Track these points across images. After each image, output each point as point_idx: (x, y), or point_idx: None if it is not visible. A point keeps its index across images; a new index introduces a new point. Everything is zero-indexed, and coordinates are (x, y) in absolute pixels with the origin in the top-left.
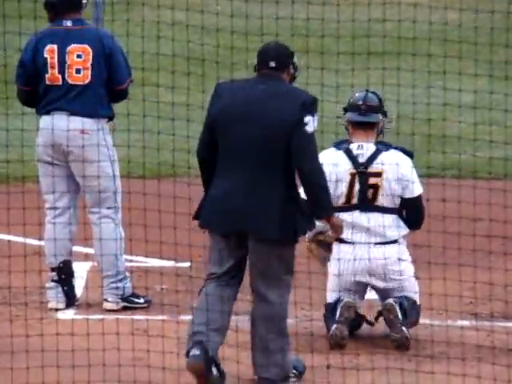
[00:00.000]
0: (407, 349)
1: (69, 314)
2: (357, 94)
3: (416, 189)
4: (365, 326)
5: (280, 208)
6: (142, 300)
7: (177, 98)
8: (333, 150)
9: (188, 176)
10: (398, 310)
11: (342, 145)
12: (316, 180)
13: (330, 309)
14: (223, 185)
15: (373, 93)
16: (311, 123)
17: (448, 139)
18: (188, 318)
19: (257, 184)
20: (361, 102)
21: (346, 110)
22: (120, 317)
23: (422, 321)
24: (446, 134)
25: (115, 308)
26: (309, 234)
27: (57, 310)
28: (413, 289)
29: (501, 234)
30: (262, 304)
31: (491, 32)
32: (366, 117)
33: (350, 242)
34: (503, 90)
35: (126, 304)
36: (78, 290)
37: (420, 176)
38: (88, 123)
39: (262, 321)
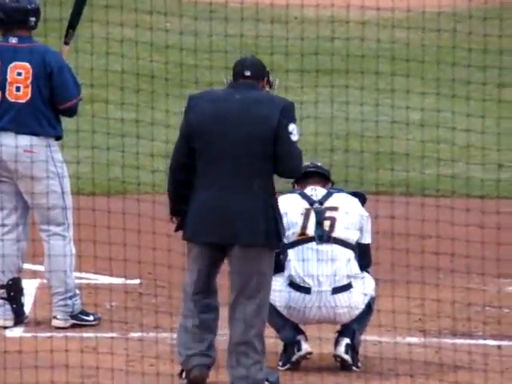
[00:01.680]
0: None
1: (17, 332)
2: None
3: (368, 237)
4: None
5: (264, 216)
6: (91, 317)
7: (126, 115)
8: (287, 195)
9: (138, 193)
10: (350, 359)
11: (295, 190)
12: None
13: (281, 322)
14: (207, 195)
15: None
16: (295, 131)
17: (396, 156)
18: (137, 335)
19: (240, 192)
20: (309, 163)
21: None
22: (69, 334)
23: (370, 338)
24: (394, 151)
25: (64, 325)
26: None
27: (5, 327)
28: (362, 305)
29: (449, 251)
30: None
31: (438, 50)
32: (316, 168)
33: (303, 288)
34: (450, 108)
35: (75, 321)
36: (27, 308)
37: (369, 193)
38: (34, 141)
39: (244, 320)
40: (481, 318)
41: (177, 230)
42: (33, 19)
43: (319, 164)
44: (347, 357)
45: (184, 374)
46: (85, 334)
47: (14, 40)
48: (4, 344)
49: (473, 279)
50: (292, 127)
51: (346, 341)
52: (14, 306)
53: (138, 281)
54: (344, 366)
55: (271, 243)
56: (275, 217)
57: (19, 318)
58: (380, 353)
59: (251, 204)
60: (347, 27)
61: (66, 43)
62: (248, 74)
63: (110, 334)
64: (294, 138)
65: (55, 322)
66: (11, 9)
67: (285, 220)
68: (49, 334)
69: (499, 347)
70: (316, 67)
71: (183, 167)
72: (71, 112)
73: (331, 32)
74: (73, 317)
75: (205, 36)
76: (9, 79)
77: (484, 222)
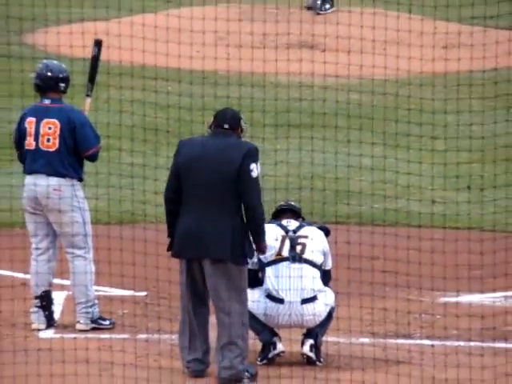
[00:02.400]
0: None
1: (48, 334)
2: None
3: (330, 264)
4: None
5: (231, 236)
6: (107, 322)
7: (135, 160)
8: (267, 225)
9: (144, 222)
10: (314, 356)
11: (273, 221)
12: (256, 214)
13: (260, 327)
14: (187, 222)
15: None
16: (255, 170)
17: (351, 194)
18: (144, 336)
19: (213, 218)
20: (283, 202)
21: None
22: (89, 335)
23: (331, 339)
24: (350, 189)
25: (86, 328)
26: None
27: (39, 330)
28: (324, 313)
29: (393, 270)
30: (227, 306)
31: (384, 110)
32: (290, 206)
33: (278, 299)
34: (394, 155)
35: (94, 325)
36: (56, 314)
37: (329, 223)
38: (61, 182)
39: (227, 328)
40: (418, 323)
41: (168, 249)
42: (63, 85)
43: (292, 203)
44: (312, 354)
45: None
46: (102, 336)
47: (47, 101)
48: (38, 343)
49: (412, 292)
50: (252, 166)
51: (311, 342)
52: (46, 313)
53: (144, 293)
54: (309, 362)
55: (236, 259)
56: (242, 238)
57: (50, 322)
58: (338, 351)
59: (220, 227)
60: (312, 90)
61: (88, 95)
62: (226, 126)
63: (122, 336)
64: (254, 174)
65: (79, 326)
66: (46, 77)
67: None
68: (73, 336)
69: (432, 346)
70: (287, 122)
71: (172, 200)
72: (93, 158)
73: (299, 94)
74: (93, 321)
75: (198, 97)
76: (41, 132)
77: (421, 247)
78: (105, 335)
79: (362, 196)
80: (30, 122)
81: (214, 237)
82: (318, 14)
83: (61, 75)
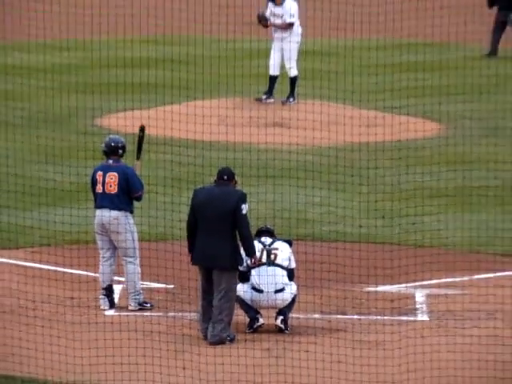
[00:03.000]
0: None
1: (110, 312)
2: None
3: (293, 264)
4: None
5: (229, 253)
6: (149, 305)
7: (166, 199)
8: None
9: (172, 240)
10: (283, 327)
11: (256, 238)
12: (247, 239)
13: (248, 308)
14: (201, 241)
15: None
16: (244, 209)
17: (307, 221)
18: (172, 314)
19: (217, 241)
20: (263, 226)
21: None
22: (137, 314)
23: (294, 315)
24: (306, 218)
25: (135, 309)
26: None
27: (104, 310)
28: (290, 298)
29: (334, 270)
30: (219, 296)
31: (328, 166)
32: (267, 228)
33: (259, 290)
34: (335, 195)
35: (140, 307)
36: (115, 300)
37: (292, 239)
38: (119, 214)
39: (218, 306)
40: (351, 305)
41: (191, 260)
42: (120, 151)
43: (268, 226)
44: (282, 325)
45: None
46: (145, 313)
47: (110, 161)
48: (104, 319)
49: (347, 285)
50: (243, 206)
51: (281, 317)
52: (109, 299)
53: (172, 286)
54: (280, 331)
55: (232, 267)
56: (236, 253)
57: (112, 306)
58: (298, 323)
59: (222, 247)
60: (281, 154)
61: (137, 159)
62: (225, 178)
63: (157, 314)
64: (244, 211)
65: (130, 307)
66: (110, 146)
67: None
68: (126, 314)
69: (359, 319)
70: (265, 174)
71: (191, 227)
72: (139, 199)
73: (273, 156)
74: (139, 304)
75: (207, 159)
76: (106, 181)
77: (352, 255)
78: (147, 313)
79: (314, 222)
80: (99, 175)
81: (219, 254)
82: (283, 104)
83: (119, 144)
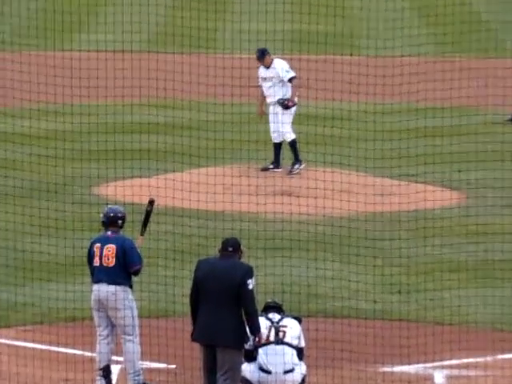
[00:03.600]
0: None
1: None
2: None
3: (303, 343)
4: None
5: (233, 329)
6: None
7: (168, 273)
8: (260, 318)
9: (174, 316)
10: None
11: (262, 315)
12: (253, 316)
13: None
14: (203, 317)
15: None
16: (251, 284)
17: (318, 296)
18: None
19: (221, 316)
20: (270, 300)
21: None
22: None
23: None
24: (317, 293)
25: None
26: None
27: None
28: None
29: (348, 349)
30: (223, 377)
31: (340, 237)
32: (275, 303)
33: (267, 371)
34: (347, 269)
35: None
36: (114, 381)
37: (302, 316)
38: (117, 288)
39: None
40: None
41: (191, 336)
42: (120, 222)
43: (276, 300)
44: None
45: None
46: None
47: (109, 233)
48: None
49: (360, 364)
50: (249, 281)
51: None
52: (107, 380)
53: (174, 366)
54: None
55: (237, 345)
56: (241, 330)
57: None
58: None
59: (226, 323)
60: (290, 225)
61: (141, 235)
62: (230, 249)
63: None
64: (250, 286)
65: None
66: (109, 216)
67: None
68: None
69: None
70: (273, 246)
71: (194, 302)
72: (136, 273)
73: (282, 227)
74: None
75: (211, 229)
76: (104, 254)
77: (366, 333)
78: None
79: (326, 297)
80: (97, 247)
81: (222, 330)
82: (290, 173)
83: (119, 215)
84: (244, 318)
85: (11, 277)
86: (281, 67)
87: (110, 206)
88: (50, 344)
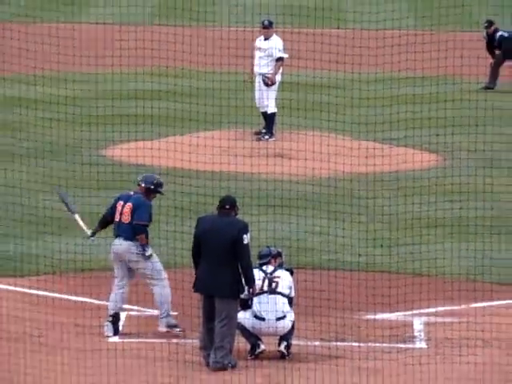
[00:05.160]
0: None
1: (114, 339)
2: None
3: (293, 293)
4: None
5: (230, 281)
6: (178, 329)
7: (170, 228)
8: (254, 269)
9: (175, 268)
10: (286, 352)
11: (256, 267)
12: (247, 269)
13: (249, 334)
14: (203, 270)
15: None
16: (246, 239)
17: (307, 249)
18: (174, 341)
19: (219, 269)
20: (268, 252)
21: (259, 257)
22: (141, 340)
23: (294, 342)
24: (306, 246)
25: (163, 331)
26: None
27: (108, 336)
28: (290, 325)
29: (333, 298)
30: (220, 324)
31: (328, 196)
32: (270, 250)
33: (261, 318)
34: (334, 225)
35: (168, 329)
36: (120, 327)
37: (293, 268)
38: (131, 243)
39: (220, 333)
40: (349, 332)
41: (193, 287)
42: (145, 185)
43: (272, 249)
44: (285, 351)
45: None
46: (148, 340)
47: (131, 192)
48: (108, 345)
49: (346, 312)
50: (244, 236)
51: (285, 343)
52: (115, 326)
53: (176, 313)
54: (282, 356)
55: (233, 295)
56: (237, 282)
57: (116, 333)
58: (298, 349)
59: (223, 275)
60: (282, 184)
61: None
62: (227, 207)
63: (160, 340)
64: (245, 241)
65: (159, 329)
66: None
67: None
68: (129, 340)
69: (359, 346)
70: (266, 203)
71: (195, 256)
72: (137, 228)
73: (274, 186)
74: (168, 327)
75: (209, 188)
76: (123, 211)
77: (351, 283)
78: (150, 340)
79: (314, 251)
80: (120, 204)
81: (220, 282)
82: (257, 140)
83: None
84: (240, 270)
85: (25, 231)
86: (275, 43)
87: (145, 174)
88: (61, 292)
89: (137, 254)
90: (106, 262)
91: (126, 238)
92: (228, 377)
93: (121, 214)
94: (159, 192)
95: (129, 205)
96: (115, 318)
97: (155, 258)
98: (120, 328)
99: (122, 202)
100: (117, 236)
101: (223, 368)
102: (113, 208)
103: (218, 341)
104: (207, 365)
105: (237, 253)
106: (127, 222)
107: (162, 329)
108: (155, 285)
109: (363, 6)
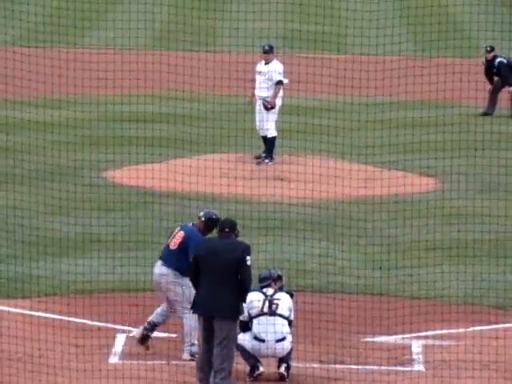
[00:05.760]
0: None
1: (114, 360)
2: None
3: (292, 316)
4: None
5: (229, 302)
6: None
7: None
8: (252, 292)
9: None
10: (285, 374)
11: (256, 289)
12: (246, 289)
13: (248, 356)
14: (203, 290)
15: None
16: (249, 260)
17: (307, 272)
18: (174, 362)
19: (219, 289)
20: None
21: (260, 280)
22: (141, 362)
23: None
24: (305, 269)
25: (187, 359)
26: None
27: (132, 334)
28: (290, 347)
29: (332, 320)
30: (220, 346)
31: (327, 218)
32: (271, 274)
33: (261, 339)
34: (333, 247)
35: (192, 358)
36: (120, 349)
37: (293, 290)
38: (169, 271)
39: (219, 355)
40: (348, 354)
41: (191, 309)
42: (205, 220)
43: (273, 272)
44: (285, 373)
45: None
46: (148, 362)
47: (190, 223)
48: (108, 366)
49: (344, 334)
50: (247, 258)
51: (285, 365)
52: (145, 333)
53: (175, 335)
54: (282, 379)
55: (233, 316)
56: (237, 303)
57: (142, 341)
58: (297, 372)
59: (224, 295)
60: (281, 206)
61: None
62: (227, 230)
63: (160, 362)
64: (248, 263)
65: (183, 357)
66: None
67: (253, 303)
68: (130, 361)
69: (357, 369)
70: (266, 226)
71: (195, 275)
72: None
73: (273, 208)
74: (191, 355)
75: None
76: (175, 237)
77: (350, 305)
78: (150, 362)
79: (314, 273)
80: (177, 230)
81: (220, 302)
82: (258, 164)
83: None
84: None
85: (27, 252)
86: (275, 68)
87: (207, 210)
88: (62, 314)
89: (172, 281)
90: (106, 283)
91: (165, 263)
92: None
93: (172, 238)
94: (214, 228)
95: (182, 233)
96: (150, 326)
97: (189, 287)
98: (120, 350)
99: (179, 228)
100: (159, 258)
101: None
102: (172, 232)
103: (218, 364)
104: None
105: (240, 273)
106: (173, 248)
107: (186, 357)
108: (185, 313)
109: (363, 30)
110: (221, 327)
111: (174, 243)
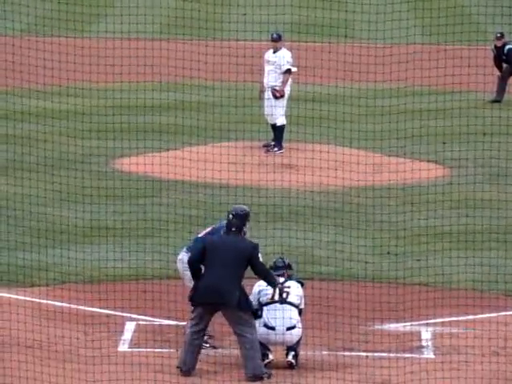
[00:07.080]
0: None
1: (123, 348)
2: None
3: (302, 304)
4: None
5: (236, 291)
6: (208, 345)
7: (178, 239)
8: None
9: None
10: (294, 362)
11: None
12: (268, 276)
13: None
14: (209, 279)
15: (281, 258)
16: (260, 257)
17: (315, 259)
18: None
19: (228, 280)
20: (283, 264)
21: (271, 268)
22: (149, 349)
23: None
24: (313, 255)
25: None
26: None
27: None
28: (299, 336)
29: (341, 306)
30: (240, 339)
31: (334, 206)
32: (284, 262)
33: (271, 327)
34: (341, 236)
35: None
36: (129, 336)
37: (302, 278)
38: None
39: (245, 346)
40: (357, 341)
41: (190, 300)
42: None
43: (284, 259)
44: (293, 361)
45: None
46: (156, 349)
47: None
48: (117, 354)
49: (353, 321)
50: (259, 254)
51: (293, 353)
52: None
53: (184, 323)
54: (291, 366)
55: (239, 306)
56: (242, 294)
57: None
58: (306, 358)
59: (230, 285)
60: (289, 194)
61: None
62: (234, 229)
63: (169, 350)
64: (260, 259)
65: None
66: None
67: (263, 292)
68: (138, 349)
69: (367, 356)
70: (273, 217)
71: (197, 263)
72: None
73: (281, 197)
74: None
75: (217, 199)
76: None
77: (359, 292)
78: (159, 349)
79: (322, 260)
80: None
81: (227, 291)
82: (266, 152)
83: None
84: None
85: (35, 240)
86: (283, 56)
87: (236, 206)
88: (70, 301)
89: (187, 266)
90: (115, 271)
91: (188, 251)
92: None
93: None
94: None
95: (212, 226)
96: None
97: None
98: (129, 337)
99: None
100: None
101: (260, 378)
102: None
103: (249, 348)
104: (181, 371)
105: (255, 269)
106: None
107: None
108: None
109: (371, 20)
110: (230, 317)
111: (202, 233)
